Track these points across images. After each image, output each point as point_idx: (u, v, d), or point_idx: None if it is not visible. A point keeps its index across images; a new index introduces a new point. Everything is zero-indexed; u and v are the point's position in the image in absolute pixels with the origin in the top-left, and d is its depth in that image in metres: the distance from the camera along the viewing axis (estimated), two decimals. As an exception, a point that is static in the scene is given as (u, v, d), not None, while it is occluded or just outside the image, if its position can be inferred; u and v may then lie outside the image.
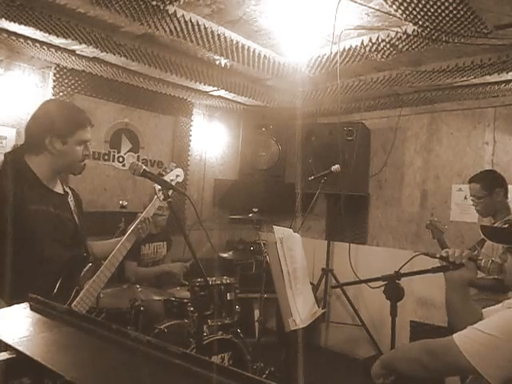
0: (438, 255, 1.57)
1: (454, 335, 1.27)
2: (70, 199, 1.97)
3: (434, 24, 2.34)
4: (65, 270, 1.81)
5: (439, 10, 2.18)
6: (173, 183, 2.14)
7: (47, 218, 1.78)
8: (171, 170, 2.18)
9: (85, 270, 1.90)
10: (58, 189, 1.92)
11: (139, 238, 2.04)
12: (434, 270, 1.61)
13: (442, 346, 1.30)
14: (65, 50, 3.24)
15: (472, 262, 1.48)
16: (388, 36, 2.66)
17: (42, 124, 1.79)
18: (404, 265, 1.78)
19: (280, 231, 2.14)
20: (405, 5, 2.18)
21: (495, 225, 2.88)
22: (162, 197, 2.07)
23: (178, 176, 2.21)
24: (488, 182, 2.93)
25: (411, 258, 1.75)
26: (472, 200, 3.02)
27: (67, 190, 1.99)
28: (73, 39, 2.93)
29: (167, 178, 2.14)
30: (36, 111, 1.84)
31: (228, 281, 3.01)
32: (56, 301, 1.65)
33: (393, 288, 1.77)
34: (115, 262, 1.90)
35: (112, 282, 2.14)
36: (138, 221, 2.02)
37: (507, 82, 3.26)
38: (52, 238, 1.79)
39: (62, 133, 1.78)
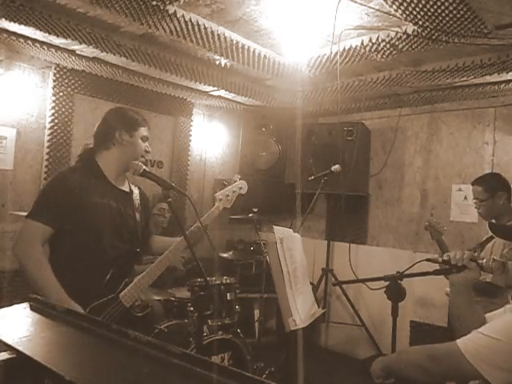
0: (440, 260, 1.57)
1: (457, 340, 1.27)
2: (136, 197, 2.14)
3: (434, 24, 2.34)
4: (118, 261, 1.95)
5: (439, 10, 2.18)
6: (235, 194, 2.24)
7: (108, 210, 1.95)
8: (235, 182, 2.26)
9: (137, 264, 2.08)
10: (124, 186, 2.11)
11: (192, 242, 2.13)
12: (436, 273, 1.61)
13: (444, 350, 1.29)
14: (65, 50, 3.24)
15: (474, 262, 1.48)
16: (388, 36, 2.66)
17: (112, 122, 2.06)
18: (407, 269, 1.78)
19: (280, 231, 2.14)
20: (405, 5, 2.18)
21: None
22: (223, 206, 2.18)
23: (240, 188, 2.27)
24: (490, 185, 2.91)
25: (414, 264, 1.75)
26: (474, 202, 3.02)
27: (134, 189, 2.17)
28: (73, 39, 2.93)
29: (230, 188, 2.23)
30: (103, 117, 2.10)
31: (228, 281, 3.01)
32: (106, 289, 1.86)
33: (395, 288, 1.77)
34: (166, 262, 2.01)
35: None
36: (192, 227, 2.10)
37: (507, 82, 3.26)
38: (111, 230, 1.95)
39: (129, 127, 2.04)
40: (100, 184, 1.97)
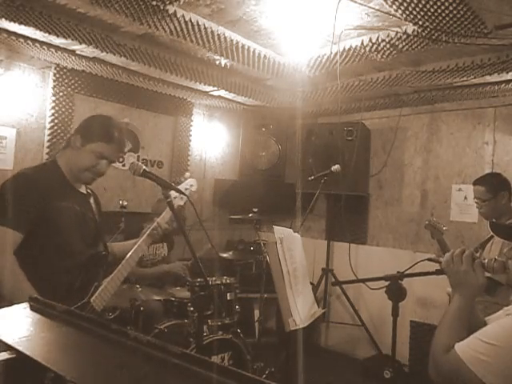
0: (441, 259, 1.57)
1: (456, 345, 1.26)
2: (92, 200, 2.09)
3: (434, 24, 2.34)
4: (86, 265, 1.91)
5: (439, 10, 2.18)
6: (186, 192, 2.22)
7: (73, 214, 1.89)
8: (185, 179, 2.28)
9: (105, 267, 2.01)
10: (82, 189, 2.05)
11: (154, 241, 2.13)
12: (437, 273, 1.61)
13: (445, 357, 1.29)
14: (65, 50, 3.24)
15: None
16: (388, 36, 2.66)
17: (80, 125, 1.99)
18: (408, 269, 1.78)
19: (280, 231, 2.14)
20: (405, 5, 2.18)
21: None
22: (176, 204, 2.15)
23: (191, 186, 2.30)
24: (493, 185, 2.93)
25: (415, 264, 1.75)
26: (476, 202, 3.02)
27: (89, 191, 2.11)
28: (73, 39, 2.93)
29: (181, 186, 2.22)
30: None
31: (228, 281, 3.01)
32: (76, 295, 1.79)
33: (395, 288, 1.77)
34: (132, 262, 1.98)
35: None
36: (153, 226, 2.10)
37: (507, 81, 3.26)
38: (76, 234, 1.90)
39: (86, 135, 1.91)
40: (62, 186, 1.90)
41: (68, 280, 1.83)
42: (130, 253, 1.98)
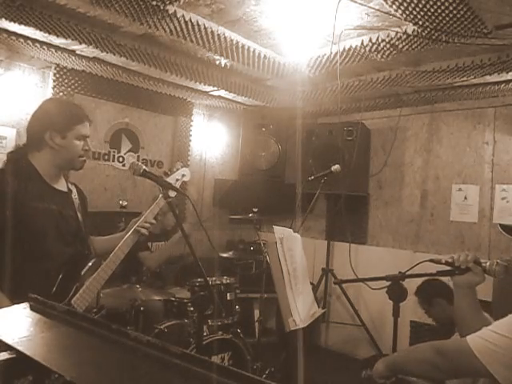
0: (443, 261, 1.57)
1: (467, 336, 1.25)
2: (74, 197, 1.99)
3: (434, 24, 2.34)
4: (66, 266, 1.82)
5: (439, 10, 2.18)
6: (179, 182, 2.14)
7: (49, 215, 1.80)
8: (177, 170, 2.16)
9: (87, 266, 1.90)
10: (62, 186, 1.94)
11: (141, 236, 2.02)
12: (439, 274, 1.60)
13: (453, 346, 1.29)
14: (65, 49, 3.24)
15: (477, 265, 1.47)
16: (388, 36, 2.66)
17: (42, 120, 1.84)
18: (409, 269, 1.78)
19: (280, 231, 2.14)
20: (405, 5, 2.18)
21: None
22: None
23: (183, 175, 2.19)
24: (425, 295, 2.87)
25: (416, 264, 1.74)
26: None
27: (71, 187, 2.01)
28: (73, 39, 2.94)
29: (173, 177, 2.13)
30: (36, 109, 1.88)
31: (228, 281, 3.01)
32: (56, 298, 1.70)
33: (396, 288, 1.77)
34: (116, 260, 1.89)
35: (112, 281, 2.14)
36: (140, 220, 2.01)
37: (507, 82, 3.26)
38: (54, 235, 1.81)
39: (61, 127, 1.82)
40: (37, 186, 1.80)
41: (45, 283, 1.74)
42: (115, 250, 1.89)
